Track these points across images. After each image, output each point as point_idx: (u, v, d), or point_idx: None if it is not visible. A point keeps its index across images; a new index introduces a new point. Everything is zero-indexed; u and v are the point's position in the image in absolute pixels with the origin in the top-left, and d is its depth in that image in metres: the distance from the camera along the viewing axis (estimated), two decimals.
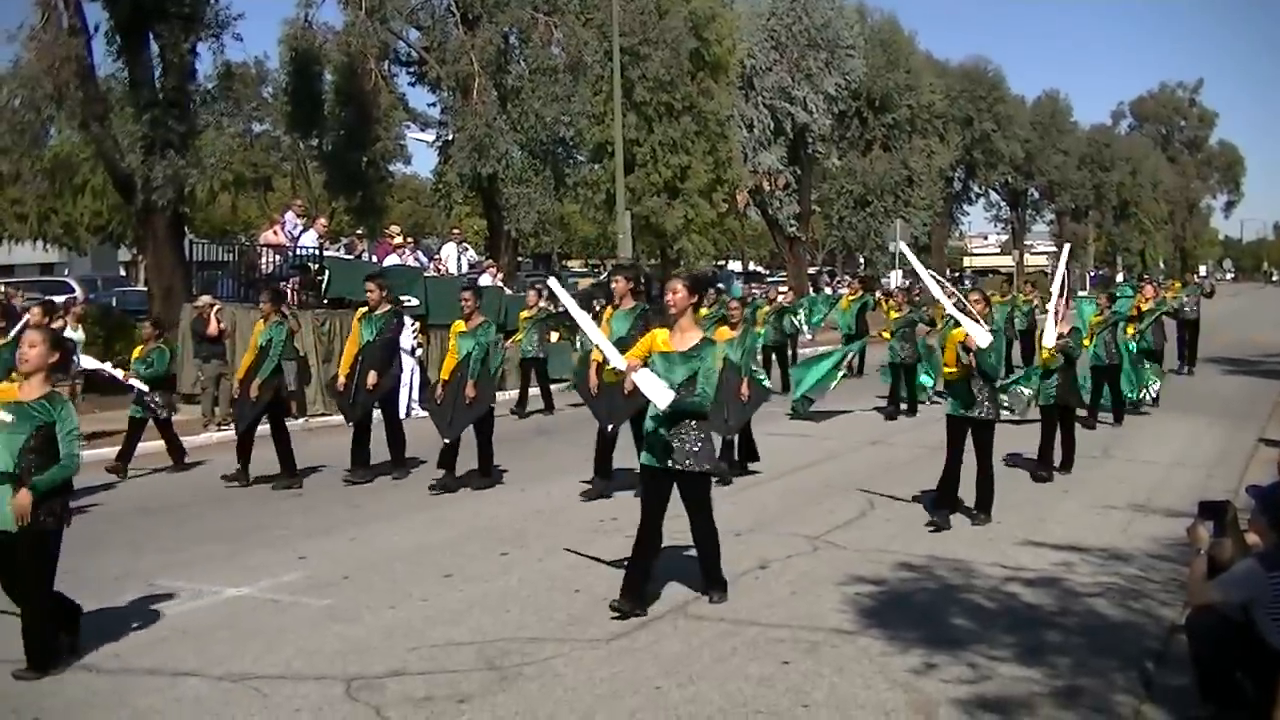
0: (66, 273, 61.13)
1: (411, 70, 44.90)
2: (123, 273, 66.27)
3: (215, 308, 24.05)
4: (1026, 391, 19.09)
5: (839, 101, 63.02)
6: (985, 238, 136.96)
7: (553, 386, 26.72)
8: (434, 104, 45.30)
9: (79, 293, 36.96)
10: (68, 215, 62.00)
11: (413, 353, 25.66)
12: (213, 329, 23.25)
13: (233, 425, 19.12)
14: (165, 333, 20.45)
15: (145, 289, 35.82)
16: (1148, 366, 25.00)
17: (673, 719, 8.19)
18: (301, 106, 42.22)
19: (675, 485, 10.80)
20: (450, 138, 41.46)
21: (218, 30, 31.31)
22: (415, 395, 25.48)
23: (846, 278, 43.96)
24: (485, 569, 12.33)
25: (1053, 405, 17.75)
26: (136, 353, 19.53)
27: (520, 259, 43.70)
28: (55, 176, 57.18)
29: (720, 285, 38.26)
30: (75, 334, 22.56)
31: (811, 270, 50.22)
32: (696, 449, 10.63)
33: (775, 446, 19.95)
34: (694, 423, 10.64)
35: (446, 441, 16.85)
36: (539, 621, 10.39)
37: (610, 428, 15.91)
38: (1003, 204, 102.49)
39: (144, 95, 29.69)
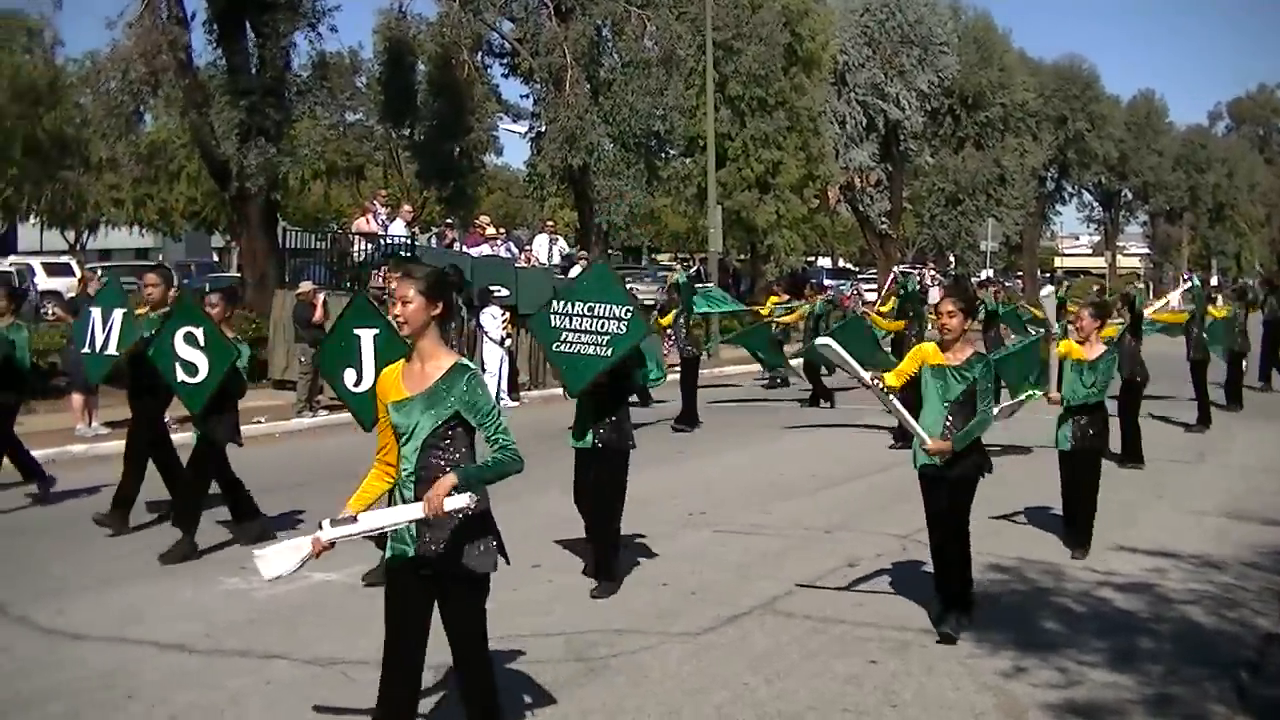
0: (161, 258, 61.79)
1: (504, 62, 45.15)
2: (216, 259, 66.89)
3: (321, 294, 24.32)
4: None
5: (931, 99, 62.66)
6: (1077, 238, 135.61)
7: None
8: (526, 95, 45.68)
9: (173, 278, 37.23)
10: (163, 201, 62.73)
11: (502, 343, 25.79)
12: (319, 315, 23.40)
13: None
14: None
15: (238, 275, 36.18)
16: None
17: (760, 715, 8.17)
18: (395, 97, 42.49)
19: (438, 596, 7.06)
20: (542, 129, 41.62)
21: (314, 20, 31.61)
22: (504, 387, 25.66)
23: (938, 276, 43.96)
24: (572, 560, 12.35)
25: (1070, 452, 13.32)
26: None
27: (611, 251, 43.79)
28: (152, 162, 57.86)
29: (814, 281, 38.09)
30: None
31: (903, 267, 50.04)
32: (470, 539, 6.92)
33: (862, 443, 19.89)
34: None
35: None
36: (626, 614, 10.41)
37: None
38: (1096, 205, 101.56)
39: (240, 83, 30.01)
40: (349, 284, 28.35)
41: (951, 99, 66.43)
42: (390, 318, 7.02)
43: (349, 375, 11.07)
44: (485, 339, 25.98)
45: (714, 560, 12.55)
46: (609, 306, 11.02)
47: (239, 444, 13.72)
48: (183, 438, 14.91)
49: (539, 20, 40.45)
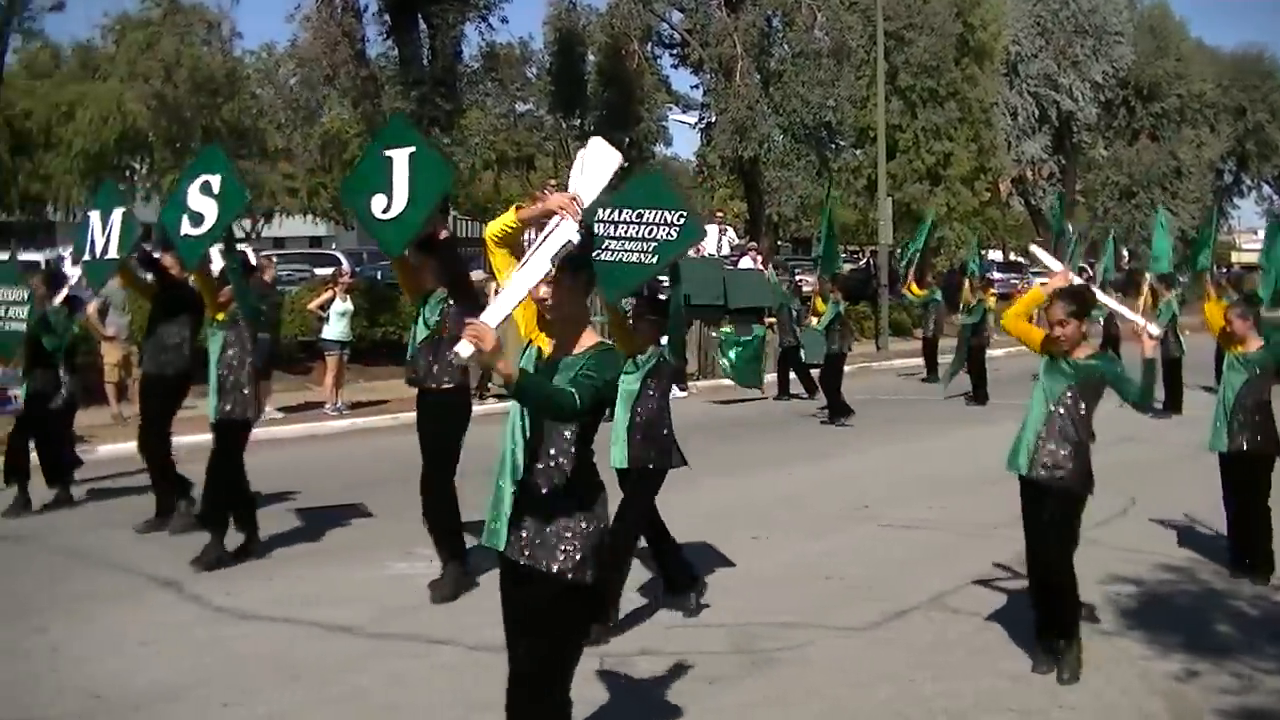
0: (334, 246, 62.74)
1: (674, 52, 45.30)
2: None
3: (492, 284, 24.56)
4: None
5: (1106, 89, 61.79)
6: (1255, 233, 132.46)
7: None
8: (696, 86, 45.71)
9: (346, 266, 37.83)
10: (336, 190, 63.55)
11: None
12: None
13: None
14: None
15: None
16: None
17: (924, 712, 8.08)
18: (564, 87, 42.85)
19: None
20: (712, 120, 41.67)
21: (484, 11, 31.94)
22: None
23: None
24: (736, 552, 12.31)
25: (1229, 455, 11.65)
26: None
27: (780, 243, 43.78)
28: (325, 152, 58.79)
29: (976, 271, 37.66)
30: (344, 305, 23.14)
31: (1080, 262, 49.53)
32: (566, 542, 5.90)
33: None
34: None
35: None
36: (789, 607, 10.34)
37: None
38: (1275, 198, 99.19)
39: (412, 74, 30.40)
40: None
41: (1126, 90, 65.43)
42: (538, 303, 5.95)
43: (377, 201, 10.30)
44: None
45: (879, 554, 12.46)
46: (660, 212, 9.78)
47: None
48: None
49: (709, 11, 40.56)
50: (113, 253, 13.14)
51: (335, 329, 22.94)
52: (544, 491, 5.90)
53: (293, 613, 10.12)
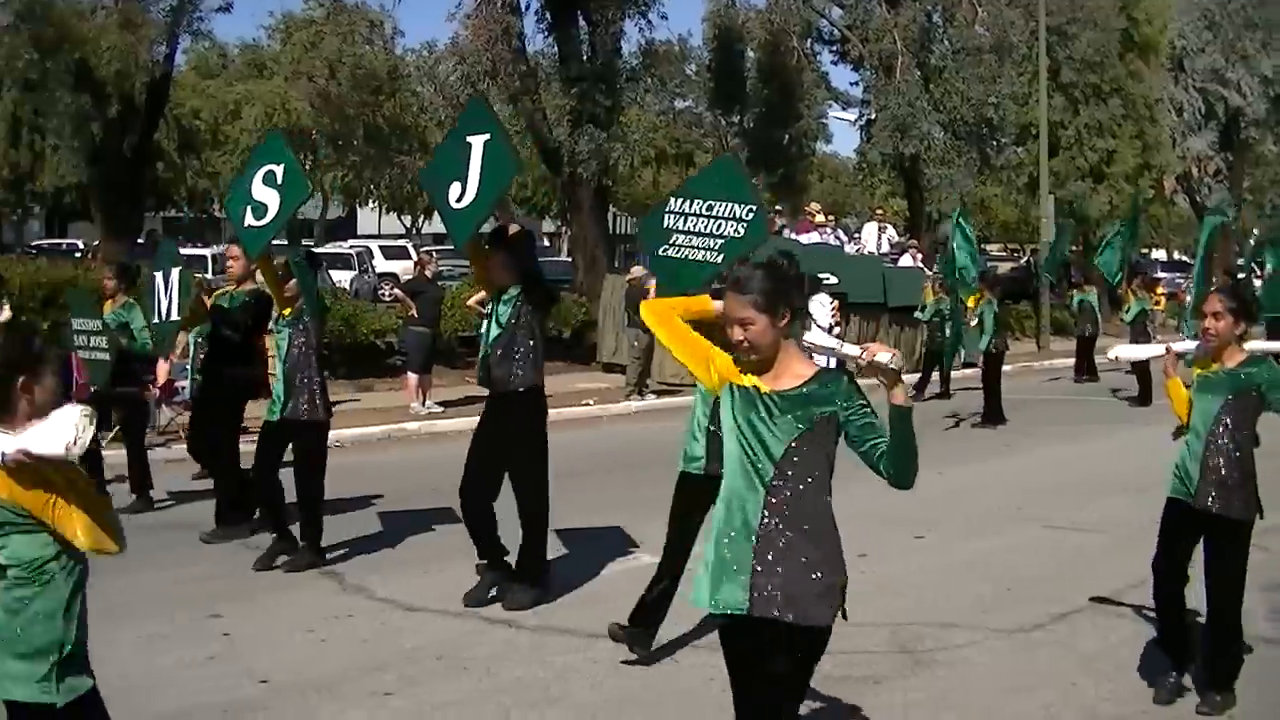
0: None
1: (834, 49, 45.18)
2: (546, 243, 68.28)
3: (653, 280, 24.65)
4: None
5: (1276, 84, 60.46)
6: None
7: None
8: (856, 83, 45.56)
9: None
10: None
11: (830, 331, 25.70)
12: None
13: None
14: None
15: (569, 259, 36.90)
16: None
17: (1088, 717, 7.98)
18: (724, 84, 42.82)
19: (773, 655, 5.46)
20: (872, 117, 41.47)
21: (644, 8, 32.04)
22: None
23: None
24: (898, 550, 12.25)
25: None
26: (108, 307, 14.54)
27: (940, 242, 43.43)
28: None
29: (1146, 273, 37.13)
30: None
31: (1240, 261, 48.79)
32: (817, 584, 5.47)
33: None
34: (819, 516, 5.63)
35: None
36: (951, 607, 10.26)
37: None
38: None
39: (572, 70, 30.59)
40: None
41: None
42: (736, 345, 5.58)
43: (454, 190, 10.05)
44: (814, 326, 25.98)
45: (1043, 556, 12.32)
46: (730, 205, 9.42)
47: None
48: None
49: (869, 7, 40.37)
50: (174, 314, 13.21)
51: None
52: (789, 543, 5.45)
53: (455, 606, 10.24)
